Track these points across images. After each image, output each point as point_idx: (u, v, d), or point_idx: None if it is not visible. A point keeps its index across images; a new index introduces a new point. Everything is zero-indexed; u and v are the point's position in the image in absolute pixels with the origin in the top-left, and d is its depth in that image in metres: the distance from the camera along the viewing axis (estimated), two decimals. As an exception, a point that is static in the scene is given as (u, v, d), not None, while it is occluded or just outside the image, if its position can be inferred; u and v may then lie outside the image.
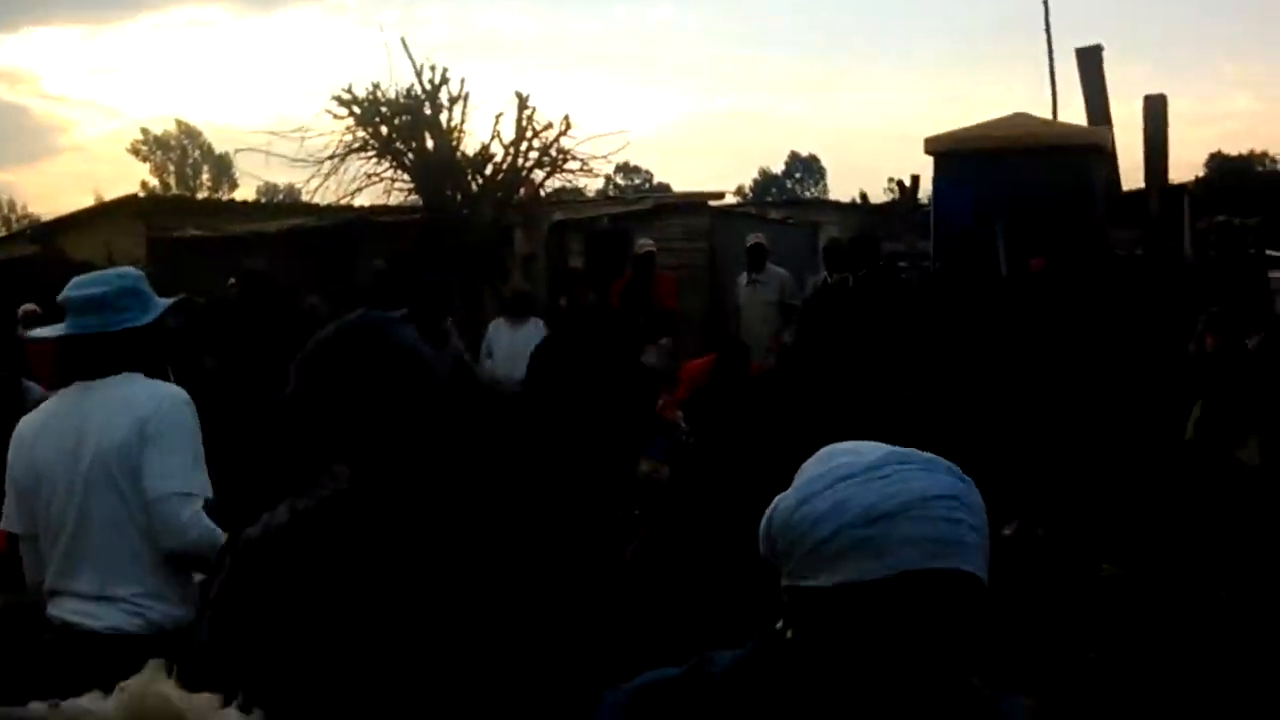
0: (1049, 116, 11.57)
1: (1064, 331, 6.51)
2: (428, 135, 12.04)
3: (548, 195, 12.81)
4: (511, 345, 7.51)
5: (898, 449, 1.20)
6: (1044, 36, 13.33)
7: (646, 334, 7.01)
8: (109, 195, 21.13)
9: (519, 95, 11.99)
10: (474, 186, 12.11)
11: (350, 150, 12.36)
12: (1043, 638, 4.09)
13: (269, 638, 1.67)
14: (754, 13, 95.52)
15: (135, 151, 54.52)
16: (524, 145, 12.09)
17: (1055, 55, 13.11)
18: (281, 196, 23.67)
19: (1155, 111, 10.30)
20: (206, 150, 54.07)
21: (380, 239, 12.05)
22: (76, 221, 15.33)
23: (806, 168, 57.46)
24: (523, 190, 11.98)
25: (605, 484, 2.44)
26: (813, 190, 52.70)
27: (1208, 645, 3.88)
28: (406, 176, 12.29)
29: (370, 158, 12.32)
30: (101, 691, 1.12)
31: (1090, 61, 11.47)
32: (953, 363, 8.10)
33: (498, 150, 12.21)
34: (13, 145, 76.51)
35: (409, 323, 1.92)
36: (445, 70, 11.93)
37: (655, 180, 52.71)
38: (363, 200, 12.91)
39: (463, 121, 12.09)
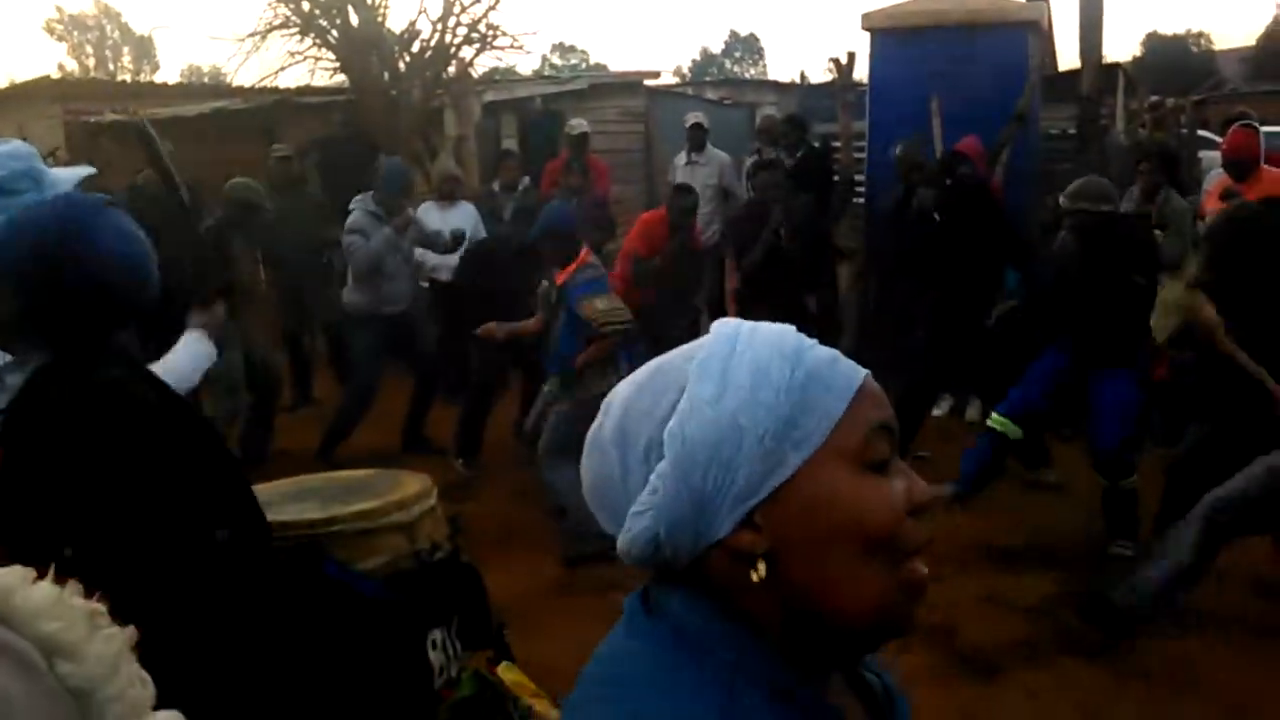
0: (986, -8, 11.38)
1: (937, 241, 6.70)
2: (351, 10, 11.61)
3: (480, 76, 12.48)
4: (442, 228, 7.42)
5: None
6: (984, -90, 13.08)
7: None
8: (21, 78, 20.29)
9: (446, -33, 11.57)
10: (401, 66, 11.75)
11: (272, 28, 11.92)
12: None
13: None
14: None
15: (50, 30, 52.29)
16: (452, 20, 11.73)
17: (994, -71, 12.88)
18: (206, 79, 22.91)
19: (1092, -12, 10.18)
20: (126, 31, 51.95)
21: (306, 121, 11.72)
22: (-14, 105, 14.88)
23: (746, 46, 56.49)
24: (452, 68, 11.64)
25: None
26: (752, 70, 51.95)
27: None
28: (331, 55, 11.89)
29: (293, 34, 11.89)
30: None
31: (1028, -64, 11.28)
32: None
33: (425, 27, 11.84)
34: (-85, 22, 72.91)
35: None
36: (368, -59, 11.47)
37: (592, 60, 51.88)
38: (287, 81, 12.50)
39: (388, -5, 11.70)
